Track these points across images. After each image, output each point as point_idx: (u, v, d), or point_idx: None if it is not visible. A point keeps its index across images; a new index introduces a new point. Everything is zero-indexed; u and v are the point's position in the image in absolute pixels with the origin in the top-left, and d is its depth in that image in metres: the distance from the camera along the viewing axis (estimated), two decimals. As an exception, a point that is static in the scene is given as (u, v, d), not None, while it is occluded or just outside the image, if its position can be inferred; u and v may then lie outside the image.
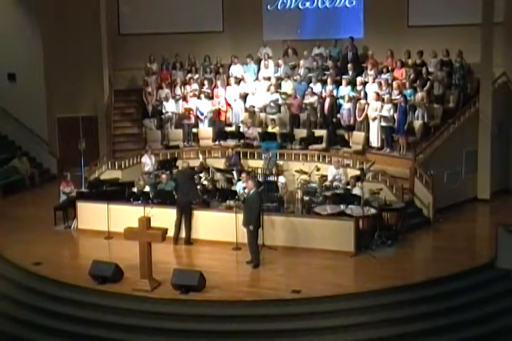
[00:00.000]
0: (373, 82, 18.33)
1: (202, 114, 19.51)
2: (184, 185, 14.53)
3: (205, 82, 20.21)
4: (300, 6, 21.43)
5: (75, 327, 11.81)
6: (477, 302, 12.18)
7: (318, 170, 16.42)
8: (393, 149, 17.47)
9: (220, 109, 19.77)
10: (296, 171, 16.77)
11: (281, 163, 17.74)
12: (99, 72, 20.54)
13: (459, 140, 16.81)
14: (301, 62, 20.06)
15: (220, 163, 17.83)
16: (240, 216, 13.56)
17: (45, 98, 20.41)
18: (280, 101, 19.45)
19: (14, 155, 19.51)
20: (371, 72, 18.71)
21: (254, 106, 19.51)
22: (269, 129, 18.71)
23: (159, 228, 12.15)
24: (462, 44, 18.31)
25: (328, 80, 18.93)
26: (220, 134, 19.28)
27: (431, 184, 15.34)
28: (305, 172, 16.47)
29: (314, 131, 18.60)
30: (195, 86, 19.97)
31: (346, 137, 18.30)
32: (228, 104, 19.82)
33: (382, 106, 17.45)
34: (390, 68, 18.77)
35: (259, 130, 18.87)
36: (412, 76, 18.29)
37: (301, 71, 19.84)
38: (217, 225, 14.34)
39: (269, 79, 19.81)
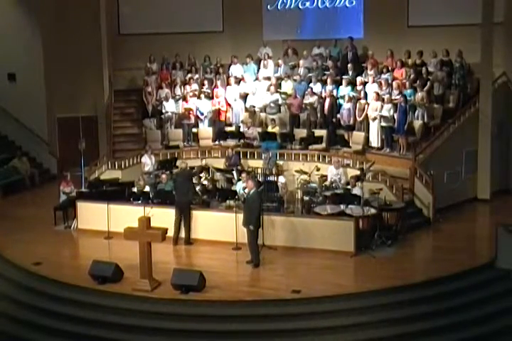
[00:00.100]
0: (373, 82, 18.32)
1: (202, 114, 19.50)
2: (183, 185, 14.53)
3: (205, 82, 20.22)
4: (300, 6, 21.43)
5: (75, 327, 11.82)
6: (477, 302, 12.18)
7: (318, 170, 16.43)
8: (393, 149, 17.47)
9: (220, 109, 19.77)
10: (296, 171, 16.77)
11: (281, 163, 17.75)
12: (99, 72, 20.54)
13: (459, 140, 16.81)
14: (301, 62, 20.06)
15: (220, 163, 17.84)
16: (240, 216, 13.56)
17: (45, 98, 20.42)
18: (280, 101, 19.46)
19: (14, 155, 19.51)
20: (371, 72, 18.71)
21: (254, 106, 19.51)
22: (269, 129, 18.72)
23: (159, 228, 12.15)
24: (462, 44, 18.30)
25: (328, 80, 18.93)
26: (220, 134, 19.28)
27: (431, 184, 15.34)
28: (305, 172, 16.47)
29: (314, 131, 18.60)
30: (195, 86, 19.96)
31: (346, 137, 18.31)
32: (228, 104, 19.82)
33: (382, 106, 17.44)
34: (390, 68, 18.77)
35: (259, 130, 18.87)
36: (412, 76, 18.28)
37: (301, 71, 19.84)
38: (217, 225, 14.34)
39: (268, 79, 19.81)
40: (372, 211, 14.03)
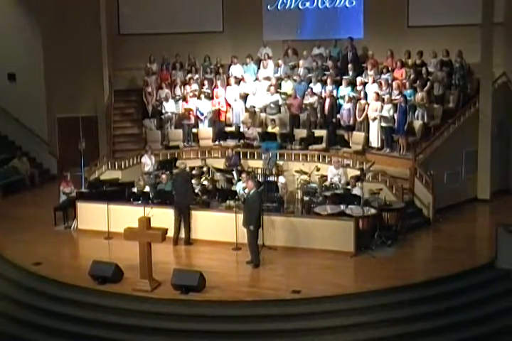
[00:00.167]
0: (373, 82, 18.32)
1: (202, 114, 19.50)
2: (181, 186, 14.52)
3: (205, 82, 20.21)
4: (300, 6, 21.42)
5: (75, 327, 11.82)
6: (477, 302, 12.18)
7: (318, 170, 16.43)
8: (393, 149, 17.46)
9: (220, 110, 19.77)
10: (296, 171, 16.77)
11: (281, 163, 17.74)
12: (99, 72, 20.54)
13: (459, 140, 16.81)
14: (301, 62, 20.06)
15: (220, 163, 17.83)
16: (240, 216, 13.56)
17: (45, 98, 20.42)
18: (280, 102, 19.46)
19: (14, 155, 19.52)
20: (371, 73, 18.71)
21: (254, 107, 19.51)
22: (269, 129, 18.72)
23: (159, 228, 12.16)
24: (462, 44, 18.30)
25: (328, 80, 18.92)
26: (220, 134, 19.28)
27: (431, 184, 15.34)
28: (305, 173, 16.47)
29: (314, 131, 18.60)
30: (195, 86, 19.96)
31: (346, 137, 18.30)
32: (228, 104, 19.82)
33: (382, 107, 17.44)
34: (390, 68, 18.77)
35: (259, 130, 18.87)
36: (412, 76, 18.28)
37: (301, 71, 19.84)
38: (217, 225, 14.34)
39: (268, 79, 19.81)
40: (372, 211, 14.03)
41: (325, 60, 20.11)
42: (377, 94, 17.69)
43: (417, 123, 17.28)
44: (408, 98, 17.40)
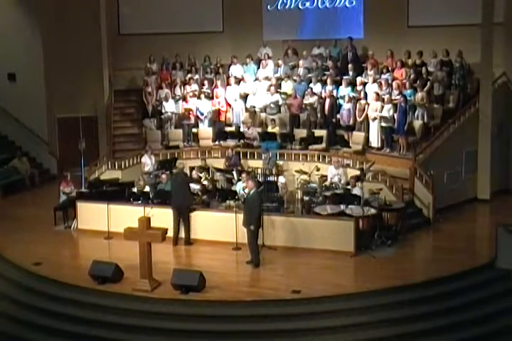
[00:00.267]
0: (373, 82, 18.32)
1: (202, 114, 19.49)
2: (179, 188, 14.50)
3: (205, 82, 20.21)
4: (300, 6, 21.43)
5: (75, 327, 11.82)
6: (477, 302, 12.18)
7: (318, 170, 16.43)
8: (393, 149, 17.46)
9: (220, 109, 19.78)
10: (296, 171, 16.77)
11: (281, 163, 17.74)
12: (99, 72, 20.54)
13: (459, 140, 16.81)
14: (301, 62, 20.06)
15: (220, 163, 17.83)
16: (240, 216, 13.56)
17: (45, 98, 20.42)
18: (280, 102, 19.45)
19: (14, 155, 19.51)
20: (371, 73, 18.71)
21: (254, 107, 19.51)
22: (269, 129, 18.72)
23: (159, 228, 12.16)
24: (462, 44, 18.30)
25: (328, 80, 18.93)
26: (220, 134, 19.28)
27: (431, 184, 15.34)
28: (305, 173, 16.47)
29: (314, 131, 18.60)
30: (194, 86, 19.95)
31: (346, 137, 18.30)
32: (228, 104, 19.83)
33: (382, 107, 17.44)
34: (390, 68, 18.77)
35: (259, 130, 18.87)
36: (412, 76, 18.29)
37: (301, 71, 19.84)
38: (217, 225, 14.34)
39: (268, 79, 19.81)
40: (372, 211, 14.03)
41: (325, 60, 20.12)
42: (377, 94, 17.69)
43: (417, 123, 17.28)
44: (408, 98, 17.40)
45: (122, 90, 21.38)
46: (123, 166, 17.69)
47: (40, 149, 20.49)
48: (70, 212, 15.66)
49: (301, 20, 21.41)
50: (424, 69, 18.46)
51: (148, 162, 17.45)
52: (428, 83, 18.06)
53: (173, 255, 14.05)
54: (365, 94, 18.19)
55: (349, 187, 15.23)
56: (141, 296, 11.87)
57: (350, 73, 19.22)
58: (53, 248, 14.37)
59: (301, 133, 18.57)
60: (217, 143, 19.27)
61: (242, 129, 19.16)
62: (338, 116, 18.42)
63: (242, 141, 18.88)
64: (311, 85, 19.21)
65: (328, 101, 18.57)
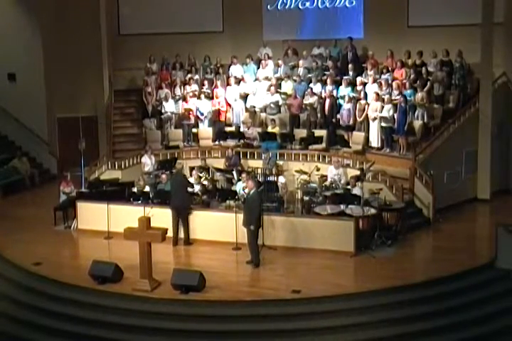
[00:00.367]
0: (373, 82, 18.32)
1: (202, 114, 19.50)
2: (178, 189, 14.49)
3: (205, 82, 20.21)
4: (300, 6, 21.42)
5: (75, 327, 11.82)
6: (477, 302, 12.18)
7: (318, 170, 16.42)
8: (393, 149, 17.47)
9: (220, 110, 19.78)
10: (296, 171, 16.77)
11: (281, 163, 17.74)
12: (99, 72, 20.55)
13: (459, 140, 16.81)
14: (301, 62, 20.06)
15: (220, 163, 17.83)
16: (240, 216, 13.56)
17: (45, 98, 20.43)
18: (280, 102, 19.45)
19: (14, 155, 19.51)
20: (371, 73, 18.71)
21: (254, 107, 19.51)
22: (269, 129, 18.72)
23: (159, 228, 12.16)
24: (462, 44, 18.30)
25: (328, 80, 18.93)
26: (220, 134, 19.28)
27: (431, 184, 15.34)
28: (305, 172, 16.47)
29: (314, 131, 18.60)
30: (194, 86, 19.96)
31: (346, 137, 18.29)
32: (228, 104, 19.83)
33: (382, 107, 17.44)
34: (390, 68, 18.77)
35: (259, 130, 18.87)
36: (412, 76, 18.29)
37: (301, 71, 19.84)
38: (217, 225, 14.33)
39: (268, 79, 19.80)
40: (372, 211, 14.03)
41: (325, 60, 20.11)
42: (377, 94, 17.69)
43: (417, 123, 17.28)
44: (408, 98, 17.40)
45: (122, 90, 21.39)
46: (123, 166, 17.69)
47: (40, 149, 20.49)
48: (70, 212, 15.66)
49: (301, 20, 21.41)
50: (424, 69, 18.46)
51: (148, 162, 17.44)
52: (428, 83, 18.06)
53: (173, 255, 14.05)
54: (365, 94, 18.19)
55: (349, 187, 15.23)
56: (141, 296, 11.87)
57: (350, 73, 19.22)
58: (53, 248, 14.37)
59: (301, 133, 18.57)
60: (217, 143, 19.27)
61: (242, 129, 19.17)
62: (338, 116, 18.42)
63: (242, 141, 18.87)
64: (311, 85, 19.21)
65: (328, 101, 18.57)
